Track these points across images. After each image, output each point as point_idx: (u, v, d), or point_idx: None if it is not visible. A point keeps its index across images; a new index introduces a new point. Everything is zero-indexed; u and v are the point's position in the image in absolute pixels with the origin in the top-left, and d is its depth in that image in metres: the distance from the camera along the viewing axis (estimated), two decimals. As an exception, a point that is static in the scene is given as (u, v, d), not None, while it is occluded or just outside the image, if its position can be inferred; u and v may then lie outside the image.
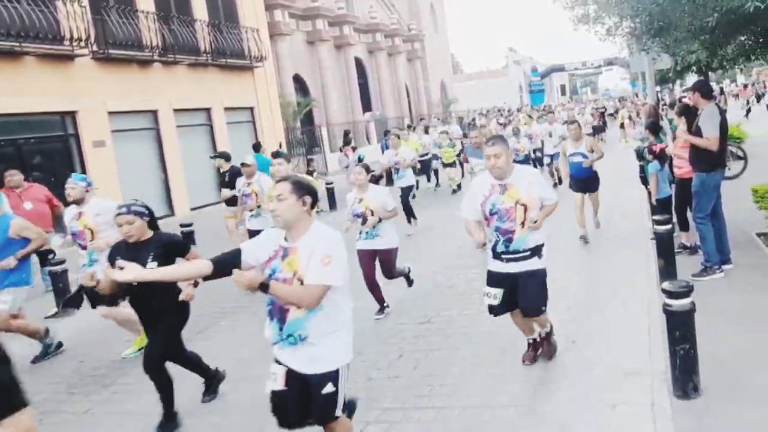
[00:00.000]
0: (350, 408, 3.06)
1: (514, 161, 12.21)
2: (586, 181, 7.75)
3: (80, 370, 5.28)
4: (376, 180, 6.10)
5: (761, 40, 8.68)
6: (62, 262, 7.04)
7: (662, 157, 6.73)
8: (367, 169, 5.71)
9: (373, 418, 3.82)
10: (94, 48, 12.12)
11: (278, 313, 2.73)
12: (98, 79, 12.41)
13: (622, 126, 21.60)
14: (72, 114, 11.95)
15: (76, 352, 5.76)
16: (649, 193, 7.21)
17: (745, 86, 37.55)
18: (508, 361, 4.42)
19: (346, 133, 17.02)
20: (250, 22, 17.17)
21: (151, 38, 13.49)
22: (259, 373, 4.71)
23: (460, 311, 5.66)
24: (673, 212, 6.53)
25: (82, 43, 11.68)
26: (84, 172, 12.02)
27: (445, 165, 13.80)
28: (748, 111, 26.68)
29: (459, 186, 13.40)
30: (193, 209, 14.43)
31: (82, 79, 12.05)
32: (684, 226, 6.56)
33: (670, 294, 3.53)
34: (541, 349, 4.28)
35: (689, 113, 5.87)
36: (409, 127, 19.50)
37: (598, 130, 20.94)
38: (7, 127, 10.87)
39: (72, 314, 6.68)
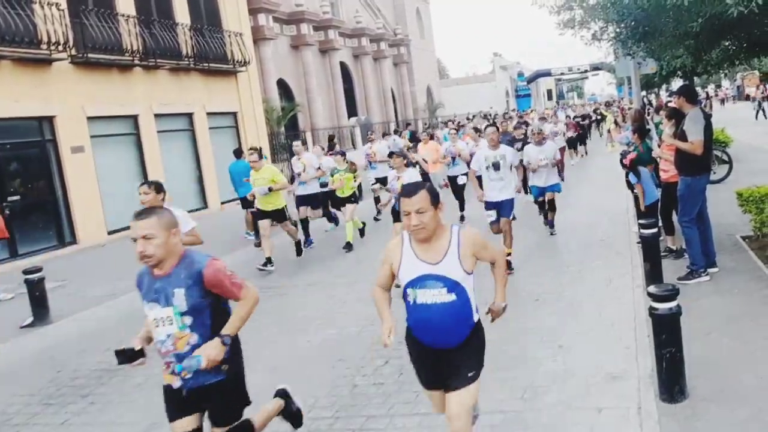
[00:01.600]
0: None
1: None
2: (444, 366, 2.76)
3: (57, 381, 5.13)
4: None
5: (745, 45, 8.78)
6: (39, 269, 6.86)
7: (635, 168, 6.75)
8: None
9: (358, 425, 3.75)
10: (73, 52, 11.90)
11: None
12: (77, 83, 12.19)
13: (608, 131, 21.14)
14: (49, 119, 11.71)
15: (53, 362, 5.60)
16: (636, 198, 7.23)
17: (758, 86, 36.35)
18: (492, 367, 4.35)
19: (331, 138, 16.95)
20: (234, 26, 17.04)
21: (131, 42, 13.31)
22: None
23: (445, 316, 5.59)
24: (660, 216, 6.54)
25: (60, 47, 11.47)
26: (62, 178, 11.80)
27: (342, 201, 9.59)
28: (759, 111, 25.69)
29: (362, 230, 9.97)
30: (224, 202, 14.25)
31: (59, 83, 11.83)
32: (670, 230, 6.57)
33: (656, 297, 3.51)
34: None
35: (678, 116, 5.90)
36: (395, 131, 19.47)
37: (574, 143, 18.00)
38: (-17, 132, 10.64)
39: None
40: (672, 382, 3.51)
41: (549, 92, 64.27)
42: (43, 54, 11.31)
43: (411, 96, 35.69)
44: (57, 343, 6.15)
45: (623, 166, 7.15)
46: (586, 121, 23.47)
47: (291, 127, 23.07)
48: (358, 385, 4.32)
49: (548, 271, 6.76)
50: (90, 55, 12.33)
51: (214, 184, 15.65)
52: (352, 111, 28.17)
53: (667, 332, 3.47)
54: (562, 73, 53.65)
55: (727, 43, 9.07)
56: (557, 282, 6.26)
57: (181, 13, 15.32)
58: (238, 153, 11.46)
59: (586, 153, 19.41)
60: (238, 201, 11.61)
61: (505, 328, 5.06)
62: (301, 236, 9.27)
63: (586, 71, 52.03)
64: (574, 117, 21.45)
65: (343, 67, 28.01)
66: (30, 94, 11.21)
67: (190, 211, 14.46)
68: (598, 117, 28.12)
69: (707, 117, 5.66)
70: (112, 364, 5.31)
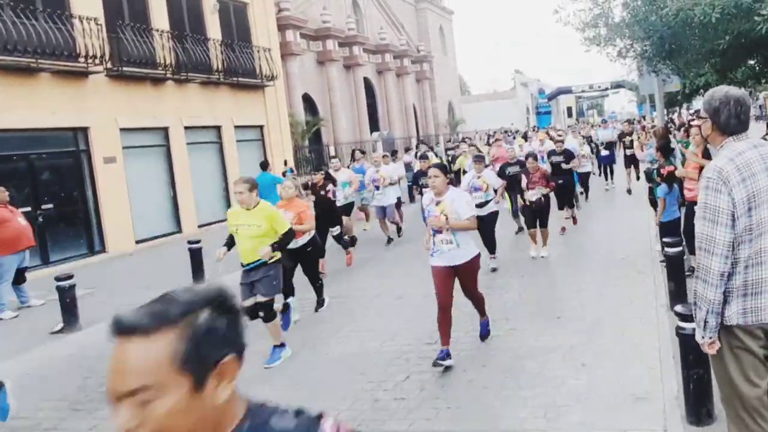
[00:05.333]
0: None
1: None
2: None
3: (85, 386, 5.24)
4: None
5: (771, 63, 8.71)
6: (70, 276, 7.05)
7: (670, 180, 6.70)
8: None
9: (379, 439, 3.76)
10: (108, 65, 12.29)
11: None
12: (111, 96, 12.56)
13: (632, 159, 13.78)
14: (84, 130, 12.08)
15: (82, 368, 5.73)
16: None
17: None
18: (514, 385, 4.36)
19: (354, 152, 17.07)
20: (263, 42, 17.40)
21: (164, 56, 13.68)
22: (262, 392, 4.69)
23: (466, 333, 5.59)
24: (683, 235, 6.47)
25: (97, 61, 11.86)
26: (93, 187, 12.12)
27: None
28: None
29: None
30: (200, 226, 14.48)
31: (95, 95, 12.20)
32: (694, 249, 6.48)
33: (683, 317, 3.48)
34: None
35: None
36: (417, 147, 19.55)
37: (542, 216, 8.24)
38: (20, 142, 10.99)
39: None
40: (699, 404, 3.46)
41: (569, 109, 63.92)
42: (80, 67, 11.70)
43: (433, 112, 35.83)
44: (86, 350, 6.27)
45: (651, 180, 7.08)
46: (585, 163, 12.17)
47: (315, 141, 23.35)
48: (380, 400, 4.34)
49: (569, 289, 6.72)
50: (125, 69, 12.71)
51: (239, 196, 15.88)
52: (374, 126, 28.38)
53: (694, 353, 3.42)
54: (582, 91, 53.38)
55: (752, 62, 9.00)
56: (578, 300, 6.22)
57: (213, 29, 15.72)
58: (264, 165, 11.65)
59: (574, 220, 10.20)
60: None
61: (526, 345, 5.08)
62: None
63: (606, 89, 51.67)
64: (550, 154, 10.68)
65: (367, 82, 28.30)
66: (66, 105, 11.58)
67: (215, 223, 14.85)
68: (625, 142, 14.45)
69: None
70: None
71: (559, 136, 12.68)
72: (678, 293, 5.37)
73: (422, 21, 36.78)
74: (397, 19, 32.58)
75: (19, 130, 10.87)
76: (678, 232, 6.45)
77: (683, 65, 8.83)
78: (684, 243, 6.11)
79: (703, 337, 2.48)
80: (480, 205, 7.45)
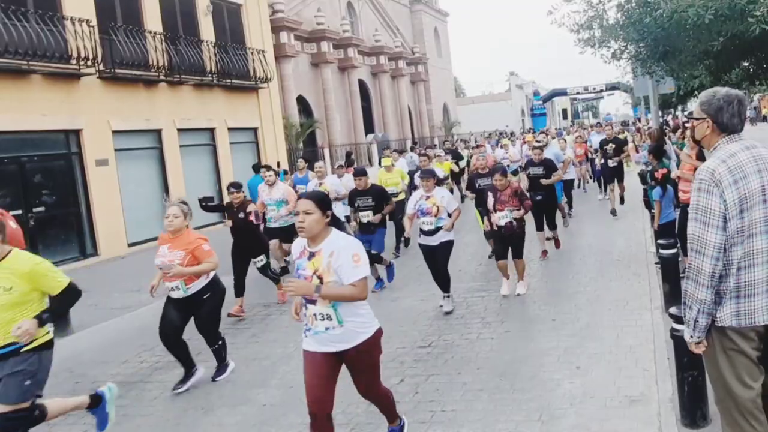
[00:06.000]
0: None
1: None
2: None
3: (76, 392, 5.17)
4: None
5: (765, 65, 8.75)
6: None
7: (664, 183, 6.71)
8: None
9: (372, 444, 3.72)
10: (101, 67, 12.22)
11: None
12: (103, 98, 12.49)
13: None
14: (76, 132, 12.00)
15: (72, 373, 5.67)
16: (653, 217, 7.17)
17: None
18: (509, 387, 4.33)
19: (349, 154, 17.07)
20: (257, 44, 17.36)
21: (157, 58, 13.62)
22: (256, 396, 4.65)
23: (460, 335, 5.58)
24: (677, 237, 6.47)
25: (89, 63, 11.79)
26: (86, 190, 12.03)
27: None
28: None
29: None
30: (194, 229, 14.39)
31: (87, 97, 12.13)
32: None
33: (677, 319, 3.46)
34: None
35: None
36: (412, 149, 19.56)
37: (512, 241, 6.90)
38: (11, 144, 10.90)
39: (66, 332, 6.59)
40: (694, 406, 3.45)
41: (564, 111, 64.14)
42: (73, 69, 11.63)
43: (428, 114, 35.86)
44: (77, 354, 6.22)
45: (646, 182, 7.09)
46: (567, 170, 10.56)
47: (309, 143, 23.31)
48: (374, 403, 4.30)
49: (564, 291, 6.71)
50: (117, 71, 12.64)
51: (233, 198, 15.82)
52: (369, 128, 28.37)
53: (688, 355, 3.40)
54: (577, 93, 53.56)
55: (746, 64, 9.05)
56: (573, 303, 6.20)
57: (207, 31, 15.67)
58: (257, 168, 11.60)
59: (557, 243, 8.67)
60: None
61: (521, 348, 5.06)
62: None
63: (602, 91, 51.90)
64: (527, 165, 9.23)
65: (362, 84, 28.28)
66: (58, 108, 11.50)
67: (208, 225, 14.76)
68: (606, 150, 11.42)
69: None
70: (130, 376, 5.39)
71: (538, 141, 9.93)
72: (673, 295, 5.35)
73: (417, 23, 36.83)
74: (392, 21, 32.60)
75: (11, 133, 10.79)
76: (673, 234, 6.45)
77: (677, 67, 8.88)
78: (678, 245, 6.11)
79: (691, 336, 2.48)
80: (429, 233, 6.21)
